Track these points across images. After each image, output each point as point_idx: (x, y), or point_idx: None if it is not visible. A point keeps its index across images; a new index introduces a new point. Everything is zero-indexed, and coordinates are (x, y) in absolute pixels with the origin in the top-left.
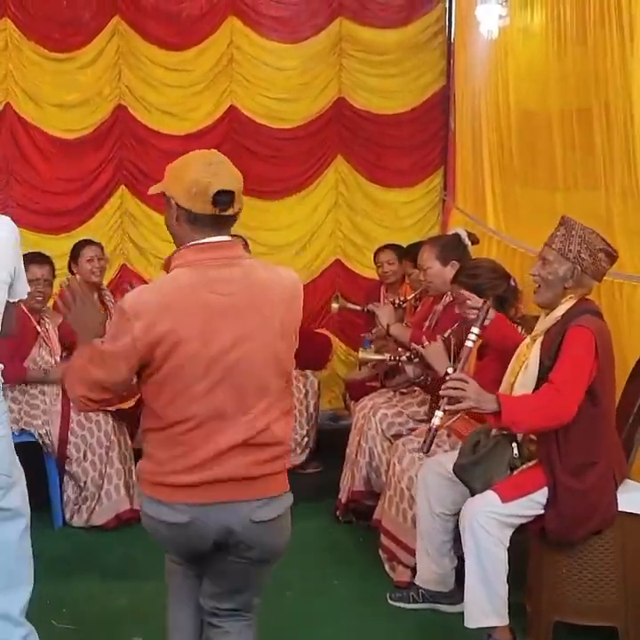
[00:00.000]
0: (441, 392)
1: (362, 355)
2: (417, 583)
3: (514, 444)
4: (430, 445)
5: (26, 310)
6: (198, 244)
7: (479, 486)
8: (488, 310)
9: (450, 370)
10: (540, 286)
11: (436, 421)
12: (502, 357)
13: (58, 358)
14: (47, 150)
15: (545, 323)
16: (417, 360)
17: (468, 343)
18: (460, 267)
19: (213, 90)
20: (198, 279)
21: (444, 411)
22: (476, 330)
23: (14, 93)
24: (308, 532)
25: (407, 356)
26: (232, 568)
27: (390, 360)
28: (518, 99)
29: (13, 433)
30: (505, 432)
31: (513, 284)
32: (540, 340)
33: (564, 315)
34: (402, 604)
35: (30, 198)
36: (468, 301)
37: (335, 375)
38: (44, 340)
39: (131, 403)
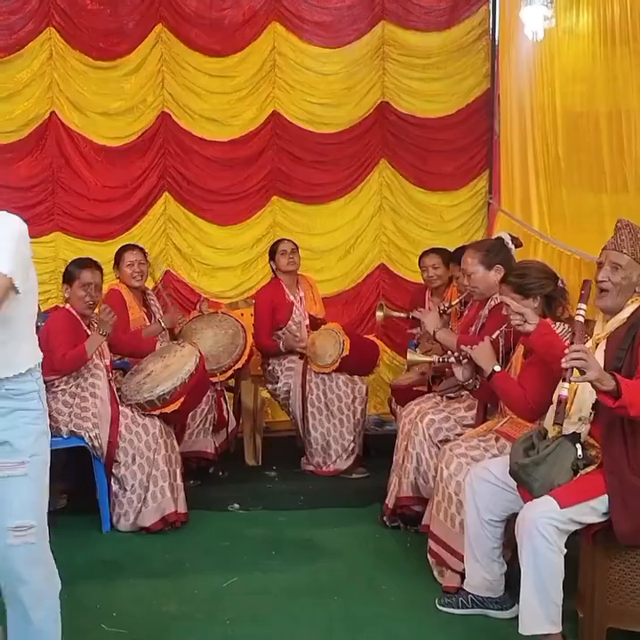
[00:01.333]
0: (564, 364)
1: (410, 357)
2: (466, 589)
3: (577, 445)
4: (563, 416)
5: (77, 315)
6: None
7: (538, 487)
8: (590, 287)
9: (497, 368)
10: (607, 291)
11: (563, 392)
12: (544, 367)
13: (107, 362)
14: (92, 158)
15: (608, 326)
16: (465, 361)
17: (579, 318)
18: (508, 267)
19: (256, 96)
20: None
21: (570, 382)
22: (583, 305)
23: (59, 102)
24: (355, 538)
25: (455, 357)
26: None
27: (438, 362)
28: (564, 100)
29: (62, 436)
30: (566, 433)
31: (561, 284)
32: (603, 343)
33: (629, 317)
34: (451, 610)
35: (76, 206)
36: (511, 305)
37: (380, 380)
38: None
39: (175, 406)
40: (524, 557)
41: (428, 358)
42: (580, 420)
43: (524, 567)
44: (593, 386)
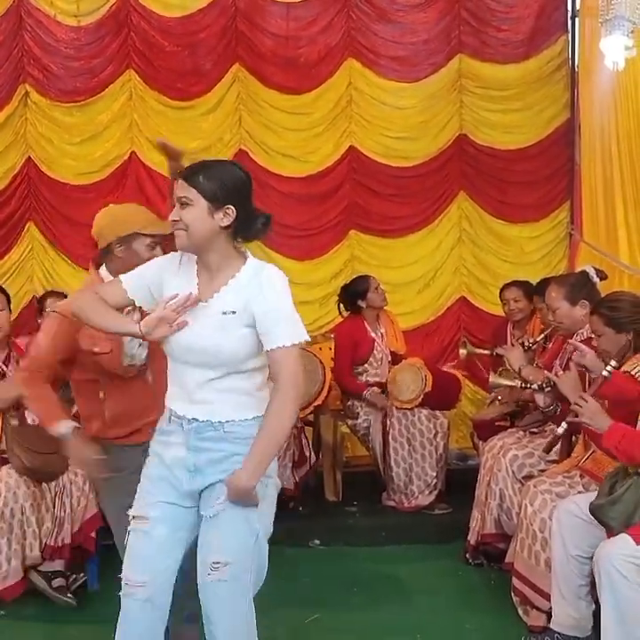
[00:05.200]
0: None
1: (492, 379)
2: (552, 628)
3: None
4: (550, 449)
5: None
6: None
7: (617, 526)
8: (630, 347)
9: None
10: None
11: (559, 430)
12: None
13: None
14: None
15: None
16: (549, 389)
17: (604, 373)
18: (600, 298)
19: (333, 131)
20: None
21: (568, 422)
22: (613, 362)
23: (139, 142)
24: (438, 574)
25: (539, 385)
26: None
27: (521, 386)
28: None
29: None
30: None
31: None
32: None
33: None
34: None
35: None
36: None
37: (462, 414)
38: None
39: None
40: (604, 596)
41: (510, 382)
42: None
43: (604, 605)
44: (588, 424)
